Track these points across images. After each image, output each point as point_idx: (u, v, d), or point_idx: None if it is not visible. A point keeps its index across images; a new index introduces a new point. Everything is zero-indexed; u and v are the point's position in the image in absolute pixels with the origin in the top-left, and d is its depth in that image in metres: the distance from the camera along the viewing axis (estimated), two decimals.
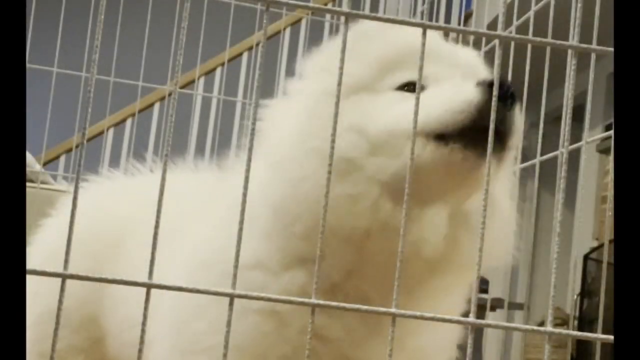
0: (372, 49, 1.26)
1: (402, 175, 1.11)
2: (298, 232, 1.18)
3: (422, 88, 1.21)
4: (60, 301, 0.84)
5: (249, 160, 0.87)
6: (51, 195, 2.28)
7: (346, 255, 1.18)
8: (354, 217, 1.17)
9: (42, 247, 1.67)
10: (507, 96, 1.14)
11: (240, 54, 5.66)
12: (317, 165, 1.15)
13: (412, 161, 0.91)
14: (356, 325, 1.22)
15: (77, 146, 5.21)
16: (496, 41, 0.95)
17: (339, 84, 0.90)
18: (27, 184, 3.09)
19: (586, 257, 4.49)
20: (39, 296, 1.49)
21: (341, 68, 0.90)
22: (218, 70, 5.51)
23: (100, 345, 1.67)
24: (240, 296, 0.86)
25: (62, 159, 5.73)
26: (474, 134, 1.13)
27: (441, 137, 1.16)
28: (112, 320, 1.63)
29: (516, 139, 1.18)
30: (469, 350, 0.86)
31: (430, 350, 1.31)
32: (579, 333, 0.96)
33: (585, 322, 4.37)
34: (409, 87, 1.23)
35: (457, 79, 1.21)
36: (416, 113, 0.91)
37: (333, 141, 0.89)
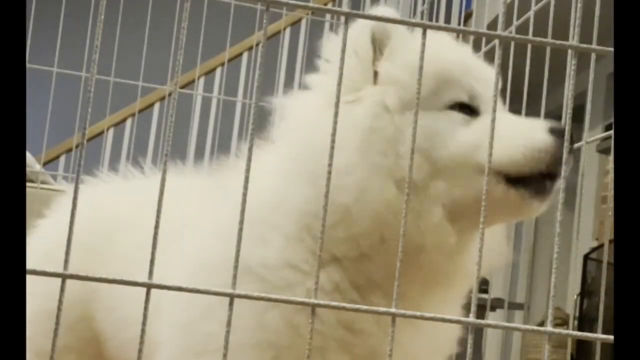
0: (429, 65, 1.25)
1: (465, 201, 1.20)
2: (343, 236, 1.21)
3: (475, 110, 1.26)
4: (60, 301, 0.83)
5: (249, 160, 0.87)
6: (51, 195, 2.28)
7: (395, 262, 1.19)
8: (417, 231, 1.20)
9: (36, 248, 1.66)
10: (571, 140, 1.19)
11: (240, 54, 5.66)
12: (379, 180, 1.19)
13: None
14: (385, 305, 1.23)
15: (77, 146, 5.21)
16: (496, 41, 0.95)
17: (339, 83, 0.90)
18: (27, 184, 3.08)
19: (586, 257, 4.49)
20: (32, 296, 1.49)
21: (341, 68, 0.90)
22: (218, 70, 5.50)
23: (92, 345, 1.67)
24: (240, 296, 0.86)
25: (62, 159, 5.73)
26: (543, 179, 1.22)
27: (512, 179, 1.22)
28: (108, 320, 1.63)
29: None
30: (469, 350, 0.86)
31: (442, 340, 1.35)
32: (579, 333, 0.96)
33: (585, 322, 4.36)
34: (462, 108, 1.26)
35: (529, 122, 1.27)
36: (415, 119, 0.91)
37: (333, 141, 0.88)
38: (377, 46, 1.28)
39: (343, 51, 0.90)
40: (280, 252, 1.24)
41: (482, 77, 1.30)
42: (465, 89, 1.27)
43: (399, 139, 1.21)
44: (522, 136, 1.22)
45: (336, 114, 0.89)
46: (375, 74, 1.27)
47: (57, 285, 0.83)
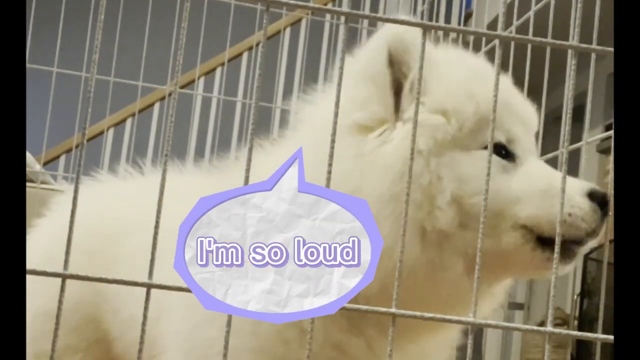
0: (472, 101, 1.18)
1: (491, 253, 1.09)
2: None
3: (510, 154, 1.21)
4: (60, 301, 0.83)
5: (249, 160, 0.87)
6: (51, 195, 2.28)
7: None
8: (433, 286, 1.16)
9: (35, 248, 1.66)
10: (606, 203, 1.17)
11: (240, 54, 5.65)
12: (408, 236, 1.07)
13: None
14: (377, 336, 1.23)
15: (77, 146, 5.21)
16: (496, 41, 0.95)
17: (339, 83, 0.90)
18: (27, 184, 3.08)
19: (586, 257, 4.48)
20: (33, 297, 1.50)
21: (341, 68, 0.90)
22: (218, 70, 5.50)
23: (99, 345, 1.68)
24: None
25: (62, 159, 5.72)
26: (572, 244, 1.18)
27: (542, 239, 1.17)
28: (114, 321, 1.63)
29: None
30: (469, 351, 0.86)
31: (433, 348, 1.34)
32: (579, 333, 0.96)
33: (585, 322, 4.36)
34: (498, 150, 1.19)
35: (573, 182, 1.19)
36: (415, 121, 0.91)
37: (333, 141, 0.88)
38: (397, 68, 1.17)
39: (343, 51, 0.89)
40: None
41: (522, 118, 1.25)
42: (503, 130, 1.20)
43: (436, 186, 1.13)
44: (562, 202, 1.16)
45: (335, 122, 0.89)
46: (397, 106, 1.18)
47: (59, 285, 0.83)
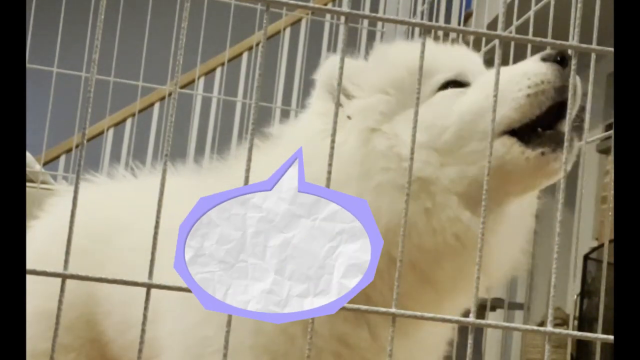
0: (399, 67, 1.24)
1: (480, 181, 1.08)
2: None
3: (465, 85, 1.23)
4: (60, 301, 0.83)
5: (249, 160, 0.87)
6: (47, 196, 2.28)
7: (405, 281, 1.12)
8: (432, 236, 1.16)
9: (31, 249, 1.65)
10: (564, 59, 1.14)
11: (240, 54, 5.65)
12: (388, 197, 1.14)
13: (411, 166, 0.91)
14: (382, 330, 1.23)
15: (77, 146, 5.21)
16: (496, 41, 0.95)
17: (339, 83, 0.90)
18: (27, 184, 3.08)
19: (586, 257, 4.48)
20: (28, 297, 1.49)
21: (341, 68, 0.90)
22: (218, 70, 5.50)
23: (93, 345, 1.68)
24: None
25: (62, 159, 5.72)
26: (557, 118, 1.14)
27: (525, 132, 1.15)
28: (108, 324, 1.63)
29: (578, 101, 1.18)
30: (469, 350, 0.86)
31: (432, 343, 1.34)
32: (579, 333, 0.96)
33: (585, 322, 4.36)
34: (451, 84, 1.22)
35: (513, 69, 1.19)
36: (415, 120, 0.91)
37: (333, 141, 0.88)
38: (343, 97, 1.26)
39: (343, 51, 0.90)
40: None
41: (458, 55, 1.28)
42: (447, 69, 1.24)
43: (398, 143, 1.18)
44: (518, 80, 1.16)
45: (336, 115, 0.89)
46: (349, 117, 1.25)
47: (53, 285, 0.83)
